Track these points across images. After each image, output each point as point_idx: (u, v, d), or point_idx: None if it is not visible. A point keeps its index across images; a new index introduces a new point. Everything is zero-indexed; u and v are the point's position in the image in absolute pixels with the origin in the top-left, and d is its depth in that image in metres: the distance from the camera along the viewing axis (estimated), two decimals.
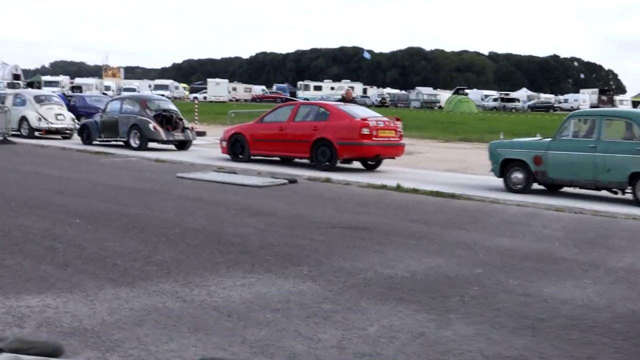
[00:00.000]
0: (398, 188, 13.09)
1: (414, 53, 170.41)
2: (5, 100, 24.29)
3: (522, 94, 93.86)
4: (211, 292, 6.06)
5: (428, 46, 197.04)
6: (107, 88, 72.53)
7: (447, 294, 6.29)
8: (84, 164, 16.07)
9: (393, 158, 16.74)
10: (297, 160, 17.28)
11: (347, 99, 19.52)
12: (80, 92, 57.53)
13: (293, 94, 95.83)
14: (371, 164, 16.83)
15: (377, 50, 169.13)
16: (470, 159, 21.18)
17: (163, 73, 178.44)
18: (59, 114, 23.34)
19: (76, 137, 23.55)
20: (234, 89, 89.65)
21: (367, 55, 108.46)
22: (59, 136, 23.72)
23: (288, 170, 15.90)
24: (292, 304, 5.81)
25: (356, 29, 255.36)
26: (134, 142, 20.06)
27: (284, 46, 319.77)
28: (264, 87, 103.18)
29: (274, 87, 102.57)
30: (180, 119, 20.53)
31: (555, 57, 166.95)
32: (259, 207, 10.60)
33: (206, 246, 7.83)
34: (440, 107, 77.88)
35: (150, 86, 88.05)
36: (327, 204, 11.31)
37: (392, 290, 6.32)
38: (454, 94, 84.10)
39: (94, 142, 21.24)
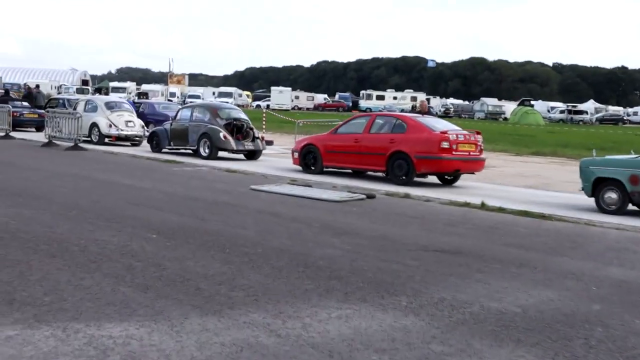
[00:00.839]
0: (483, 206, 12.38)
1: (476, 63, 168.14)
2: (77, 106, 24.39)
3: (589, 106, 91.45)
4: (306, 326, 5.50)
5: (491, 56, 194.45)
6: (172, 95, 73.26)
7: (568, 335, 5.60)
8: (156, 173, 15.78)
9: (473, 173, 16.00)
10: (369, 173, 16.71)
11: (422, 110, 18.83)
12: (147, 98, 58.15)
13: (355, 103, 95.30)
14: (448, 178, 16.12)
15: (439, 60, 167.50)
16: (548, 174, 20.32)
17: (225, 80, 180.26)
18: (129, 121, 23.26)
19: (145, 144, 23.44)
20: (297, 97, 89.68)
21: (431, 64, 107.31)
22: (128, 143, 23.65)
23: (362, 183, 15.33)
24: (398, 344, 5.20)
25: (418, 39, 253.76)
26: (204, 150, 19.76)
27: (346, 55, 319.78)
28: (326, 95, 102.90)
29: (337, 96, 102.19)
30: (251, 129, 20.17)
31: (622, 69, 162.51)
32: (341, 225, 10.03)
33: (293, 269, 7.29)
34: (505, 119, 76.33)
35: (214, 93, 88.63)
36: (412, 222, 10.68)
37: (505, 329, 5.66)
38: (519, 105, 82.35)
39: (163, 150, 21.04)
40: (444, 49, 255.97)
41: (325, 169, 16.95)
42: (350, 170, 17.10)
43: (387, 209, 11.85)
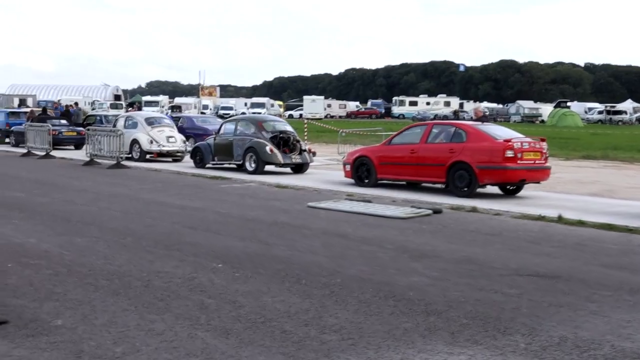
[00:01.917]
0: (560, 220, 11.49)
1: (506, 66, 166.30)
2: (116, 123, 23.90)
3: (628, 105, 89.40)
4: None
5: (521, 58, 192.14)
6: (205, 107, 73.01)
7: None
8: (204, 191, 15.11)
9: (538, 182, 15.09)
10: (425, 184, 15.91)
11: (477, 117, 17.92)
12: (180, 111, 57.87)
13: (388, 110, 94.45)
14: (510, 188, 15.24)
15: (468, 63, 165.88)
16: (606, 179, 19.35)
17: (254, 91, 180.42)
18: (170, 136, 22.70)
19: (187, 160, 22.86)
20: (329, 106, 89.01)
21: (462, 68, 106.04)
22: (169, 159, 23.09)
23: (421, 196, 14.52)
24: None
25: (446, 43, 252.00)
26: (250, 165, 19.08)
27: (374, 62, 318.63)
28: (357, 103, 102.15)
29: (369, 103, 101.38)
30: (298, 141, 19.46)
31: None
32: (416, 246, 9.24)
33: (382, 303, 6.51)
34: (542, 121, 74.88)
35: (245, 104, 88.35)
36: (491, 241, 9.84)
37: None
38: (555, 107, 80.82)
39: (207, 166, 20.42)
40: (472, 53, 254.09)
41: (379, 182, 16.17)
42: (404, 182, 16.31)
43: (458, 226, 11.03)
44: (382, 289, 7.00)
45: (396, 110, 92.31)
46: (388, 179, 16.15)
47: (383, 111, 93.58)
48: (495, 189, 15.20)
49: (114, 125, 23.66)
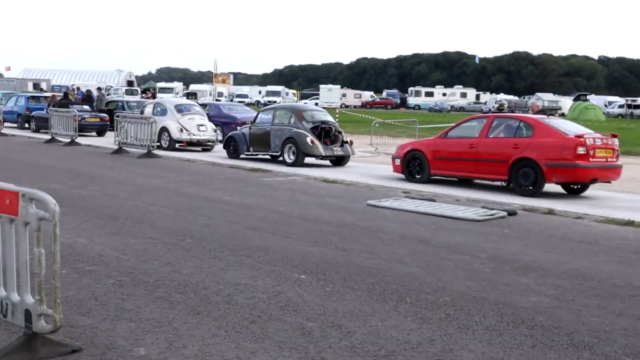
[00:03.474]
0: None
1: (520, 58, 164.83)
2: (144, 109, 22.90)
3: (535, 99, 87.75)
4: None
5: (535, 50, 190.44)
6: (220, 95, 71.92)
7: None
8: (249, 185, 14.11)
9: (609, 182, 14.05)
10: (477, 181, 14.90)
11: (533, 113, 16.81)
12: (196, 98, 56.82)
13: (403, 100, 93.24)
14: (575, 188, 14.20)
15: (481, 55, 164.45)
16: None
17: (265, 79, 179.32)
18: (201, 125, 21.69)
19: (217, 149, 21.90)
20: (344, 95, 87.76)
21: (477, 60, 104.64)
22: (199, 148, 22.09)
23: (481, 194, 13.53)
24: None
25: (459, 34, 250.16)
26: (289, 157, 18.07)
27: (386, 51, 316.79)
28: (372, 93, 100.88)
29: (384, 93, 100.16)
30: (339, 132, 18.43)
31: None
32: (512, 256, 8.23)
33: (514, 332, 5.52)
34: (562, 115, 73.51)
35: (260, 92, 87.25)
36: (593, 251, 8.81)
37: None
38: (574, 100, 79.43)
39: (241, 156, 19.42)
40: (485, 44, 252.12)
41: (431, 177, 15.16)
42: (455, 179, 15.29)
43: (543, 231, 10.00)
44: (504, 312, 6.00)
45: (412, 100, 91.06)
46: (443, 175, 15.13)
47: (399, 101, 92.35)
48: (554, 187, 14.14)
49: (142, 112, 22.65)
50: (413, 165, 15.36)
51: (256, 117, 19.85)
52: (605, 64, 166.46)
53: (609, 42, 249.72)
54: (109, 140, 23.98)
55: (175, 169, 16.68)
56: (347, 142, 18.43)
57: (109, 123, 26.96)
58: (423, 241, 8.97)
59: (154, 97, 67.36)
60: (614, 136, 14.02)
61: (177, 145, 21.48)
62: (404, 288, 6.66)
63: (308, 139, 17.74)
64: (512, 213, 11.18)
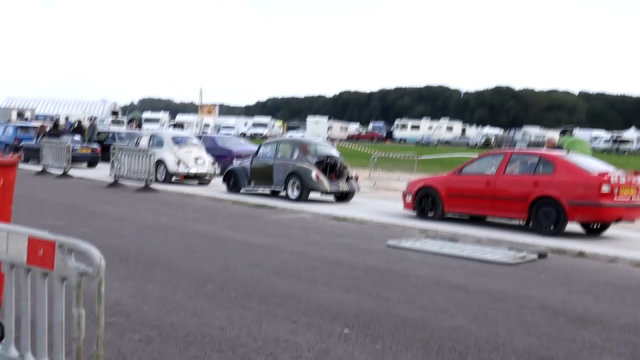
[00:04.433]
0: None
1: (502, 92, 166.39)
2: (139, 141, 22.25)
3: (632, 134, 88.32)
4: None
5: (517, 84, 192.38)
6: (207, 126, 71.36)
7: None
8: (258, 223, 13.46)
9: (632, 222, 13.57)
10: (490, 219, 14.39)
11: (549, 147, 16.34)
12: (182, 129, 56.18)
13: (389, 133, 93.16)
14: (594, 228, 13.70)
15: (464, 88, 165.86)
16: None
17: (247, 110, 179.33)
18: (198, 158, 21.04)
19: (214, 183, 21.24)
20: (330, 128, 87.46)
21: (462, 94, 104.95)
22: (195, 181, 21.42)
23: (499, 233, 13.00)
24: None
25: (442, 67, 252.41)
26: (292, 192, 17.46)
27: (369, 84, 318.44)
28: (358, 125, 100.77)
29: (370, 126, 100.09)
30: (345, 167, 17.86)
31: None
32: (562, 306, 7.63)
33: None
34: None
35: (245, 124, 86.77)
36: (637, 298, 8.25)
37: None
38: (561, 134, 79.62)
39: (241, 191, 18.78)
40: (468, 78, 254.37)
41: (445, 215, 14.61)
42: (467, 217, 14.75)
43: (581, 276, 9.45)
44: None
45: (398, 133, 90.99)
46: (457, 213, 14.58)
47: (385, 134, 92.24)
48: (571, 226, 13.60)
49: (137, 144, 21.99)
50: (425, 203, 14.80)
51: (258, 150, 19.25)
52: (587, 98, 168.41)
53: (590, 77, 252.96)
54: (101, 173, 23.26)
55: (177, 205, 16.00)
56: (352, 178, 17.85)
57: (100, 155, 26.26)
58: (460, 287, 8.36)
59: (139, 127, 66.66)
60: (637, 173, 13.56)
61: (173, 178, 20.81)
62: (461, 345, 6.04)
63: (313, 174, 17.15)
64: (542, 255, 10.62)
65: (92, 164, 26.15)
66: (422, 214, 14.82)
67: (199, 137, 25.16)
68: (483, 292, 8.14)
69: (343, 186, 17.54)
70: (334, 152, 18.41)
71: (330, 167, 17.53)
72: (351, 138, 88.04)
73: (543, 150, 14.87)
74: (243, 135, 76.87)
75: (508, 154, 14.24)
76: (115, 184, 19.18)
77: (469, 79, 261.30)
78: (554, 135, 79.18)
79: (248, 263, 9.33)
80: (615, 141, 76.70)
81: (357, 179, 18.15)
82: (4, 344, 4.34)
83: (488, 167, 14.23)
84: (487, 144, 77.31)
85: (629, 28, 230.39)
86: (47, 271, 4.06)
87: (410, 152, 31.25)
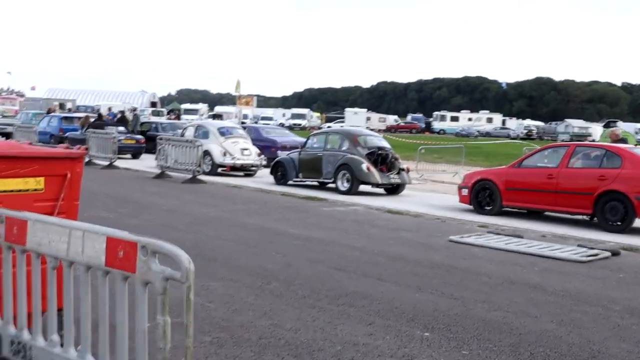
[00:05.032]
0: None
1: (542, 83, 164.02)
2: (185, 132, 22.03)
3: (616, 126, 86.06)
4: None
5: (557, 76, 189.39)
6: (245, 117, 71.25)
7: None
8: (310, 216, 13.10)
9: None
10: (550, 214, 13.85)
11: (612, 141, 15.71)
12: (221, 119, 56.08)
13: (428, 125, 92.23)
14: None
15: (502, 79, 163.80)
16: None
17: (284, 101, 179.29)
18: (245, 149, 20.74)
19: (260, 174, 20.94)
20: (368, 119, 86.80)
21: (504, 85, 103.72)
22: (241, 173, 21.13)
23: (562, 229, 12.51)
24: None
25: (480, 58, 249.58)
26: (342, 184, 17.06)
27: (406, 75, 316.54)
28: (396, 117, 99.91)
29: (409, 117, 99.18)
30: (396, 159, 17.40)
31: None
32: None
33: None
34: (592, 141, 72.24)
35: (284, 115, 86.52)
36: None
37: None
38: (604, 127, 78.03)
39: (289, 183, 18.45)
40: (507, 69, 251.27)
41: (503, 209, 14.10)
42: (524, 211, 14.21)
43: None
44: None
45: (437, 125, 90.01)
46: (516, 207, 14.05)
47: (423, 125, 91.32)
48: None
49: (182, 135, 21.77)
50: (482, 196, 14.30)
51: (306, 141, 18.88)
52: (629, 90, 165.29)
53: (633, 69, 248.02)
54: (145, 164, 23.11)
55: (225, 196, 15.70)
56: (403, 170, 17.39)
57: (144, 145, 26.13)
58: (536, 287, 7.89)
59: (178, 118, 66.75)
60: None
61: (219, 169, 20.54)
62: (554, 352, 5.60)
63: (364, 166, 16.73)
64: (615, 253, 10.09)
65: (136, 155, 26.02)
66: (479, 208, 14.33)
67: (243, 128, 24.85)
68: (561, 293, 7.67)
69: (395, 178, 17.09)
70: (385, 143, 17.95)
71: (381, 159, 17.07)
72: (389, 129, 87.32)
73: (607, 144, 14.26)
74: (281, 126, 76.76)
75: (572, 146, 13.66)
76: (161, 175, 18.97)
77: (508, 70, 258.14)
78: (595, 127, 77.80)
79: (308, 258, 8.97)
80: None
81: (408, 171, 17.67)
82: (80, 351, 4.02)
83: (550, 160, 13.69)
84: (529, 135, 76.02)
85: None
86: (128, 274, 3.72)
87: (460, 145, 30.65)
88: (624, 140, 15.50)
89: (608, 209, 12.50)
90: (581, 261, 9.47)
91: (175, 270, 3.56)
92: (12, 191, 4.94)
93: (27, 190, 5.04)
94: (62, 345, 4.16)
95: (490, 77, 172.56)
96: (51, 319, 4.23)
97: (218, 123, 24.55)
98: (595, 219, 12.86)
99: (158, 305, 3.57)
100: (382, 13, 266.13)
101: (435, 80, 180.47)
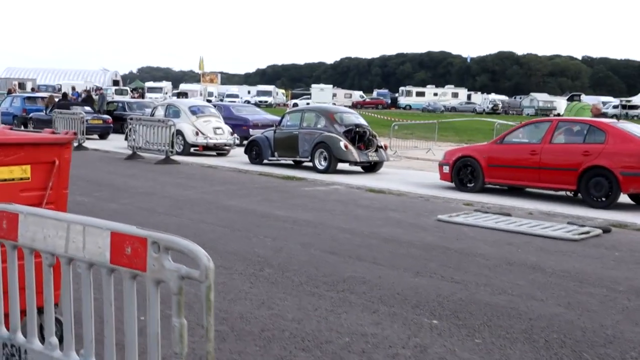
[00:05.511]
0: None
1: (505, 57, 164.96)
2: (154, 111, 21.48)
3: (596, 100, 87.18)
4: None
5: (519, 50, 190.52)
6: (210, 94, 70.39)
7: None
8: (293, 197, 12.78)
9: None
10: (529, 189, 13.74)
11: (596, 115, 15.59)
12: (186, 98, 55.28)
13: (394, 100, 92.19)
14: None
15: (465, 54, 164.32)
16: None
17: (247, 78, 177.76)
18: (217, 127, 20.30)
19: (233, 154, 20.54)
20: (334, 95, 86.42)
21: (469, 59, 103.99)
22: (214, 152, 20.69)
23: (545, 205, 12.39)
24: None
25: (443, 33, 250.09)
26: (319, 163, 16.76)
27: (369, 51, 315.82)
28: (361, 92, 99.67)
29: (374, 93, 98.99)
30: (374, 136, 17.13)
31: None
32: None
33: None
34: (558, 115, 72.81)
35: (249, 92, 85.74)
36: None
37: None
38: (568, 100, 78.76)
39: (264, 162, 18.10)
40: (470, 43, 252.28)
41: (485, 186, 13.94)
42: (505, 187, 14.08)
43: None
44: None
45: (403, 100, 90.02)
46: (499, 184, 13.90)
47: (389, 101, 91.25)
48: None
49: (152, 114, 21.22)
50: (464, 173, 14.12)
51: (281, 120, 18.51)
52: (589, 64, 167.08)
53: (593, 42, 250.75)
54: (114, 144, 22.55)
55: (202, 177, 15.30)
56: (381, 147, 17.14)
57: (112, 125, 25.52)
58: (535, 268, 7.70)
59: (142, 97, 65.68)
60: None
61: (191, 149, 20.08)
62: (569, 339, 5.39)
63: (342, 144, 16.44)
64: (606, 230, 9.97)
65: (103, 135, 25.41)
66: (460, 185, 14.16)
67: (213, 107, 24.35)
68: (561, 273, 7.49)
69: (373, 156, 16.83)
70: (362, 120, 17.66)
71: (358, 137, 16.79)
72: (355, 105, 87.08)
73: (589, 118, 14.15)
74: (247, 103, 75.98)
75: (554, 121, 13.51)
76: (133, 156, 18.47)
77: (471, 45, 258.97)
78: (559, 100, 78.38)
79: (299, 242, 8.67)
80: (624, 107, 75.67)
81: (385, 148, 17.43)
82: (83, 355, 3.69)
83: (532, 136, 13.53)
84: (494, 110, 76.48)
85: None
86: (137, 273, 3.39)
87: (433, 120, 30.49)
88: (604, 115, 15.40)
89: (592, 185, 12.39)
90: (574, 239, 9.31)
91: (192, 269, 3.22)
92: None
93: (13, 179, 4.65)
94: (61, 349, 3.82)
95: (454, 52, 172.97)
96: (49, 320, 3.88)
97: (189, 102, 23.99)
98: (579, 194, 12.74)
99: (173, 306, 3.25)
100: None
101: (399, 55, 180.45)
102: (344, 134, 16.66)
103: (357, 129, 16.84)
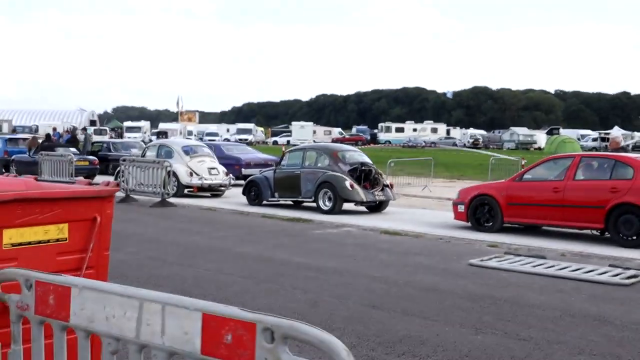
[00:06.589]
0: None
1: (479, 92, 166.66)
2: (146, 151, 20.69)
3: (616, 132, 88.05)
4: None
5: (493, 85, 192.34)
6: (190, 133, 69.62)
7: None
8: (307, 241, 12.03)
9: None
10: (546, 228, 13.15)
11: (614, 148, 15.06)
12: (166, 137, 54.45)
13: (374, 136, 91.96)
14: None
15: (440, 90, 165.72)
16: None
17: (222, 117, 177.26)
18: (212, 168, 19.54)
19: (229, 194, 19.76)
20: (314, 132, 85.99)
21: (450, 95, 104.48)
22: (208, 193, 19.90)
23: (572, 245, 11.76)
24: None
25: (418, 69, 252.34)
26: (324, 203, 16.03)
27: (345, 88, 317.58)
28: (340, 129, 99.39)
29: (354, 129, 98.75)
30: (380, 174, 16.47)
31: (626, 94, 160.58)
32: None
33: None
34: (538, 148, 72.92)
35: (228, 130, 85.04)
36: None
37: None
38: (547, 134, 79.10)
39: (264, 203, 17.34)
40: (445, 79, 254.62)
41: (504, 225, 13.30)
42: (521, 226, 13.45)
43: None
44: None
45: (383, 136, 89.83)
46: (517, 223, 13.27)
47: (369, 137, 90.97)
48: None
49: (143, 155, 20.42)
50: (481, 212, 13.47)
51: (281, 159, 17.80)
52: (562, 97, 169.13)
53: (565, 76, 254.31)
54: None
55: (204, 221, 14.49)
56: (387, 186, 16.47)
57: (98, 167, 24.64)
58: (601, 320, 7.01)
59: (120, 136, 64.75)
60: None
61: (185, 190, 19.27)
62: None
63: (347, 183, 15.74)
64: None
65: (90, 176, 24.41)
66: (477, 225, 13.50)
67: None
68: (633, 326, 6.80)
69: (379, 195, 16.14)
70: (366, 158, 17.00)
71: (364, 176, 16.12)
72: (335, 142, 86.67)
73: (608, 152, 13.61)
74: (227, 141, 75.29)
75: (577, 157, 12.92)
76: (126, 199, 17.60)
77: (445, 80, 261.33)
78: (539, 134, 78.64)
79: (332, 294, 7.91)
80: (603, 139, 76.01)
81: (392, 187, 16.76)
82: None
83: (553, 173, 12.95)
84: (475, 144, 76.47)
85: (603, 29, 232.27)
86: None
87: (426, 156, 29.93)
88: (623, 149, 14.89)
89: (622, 223, 11.78)
90: (624, 284, 8.66)
91: None
92: (29, 243, 3.79)
93: (48, 241, 3.89)
94: None
95: (429, 87, 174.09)
96: None
97: (182, 142, 23.18)
98: (607, 233, 12.13)
99: None
100: (318, 28, 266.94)
101: (374, 91, 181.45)
102: (348, 173, 15.98)
103: (363, 168, 16.18)
